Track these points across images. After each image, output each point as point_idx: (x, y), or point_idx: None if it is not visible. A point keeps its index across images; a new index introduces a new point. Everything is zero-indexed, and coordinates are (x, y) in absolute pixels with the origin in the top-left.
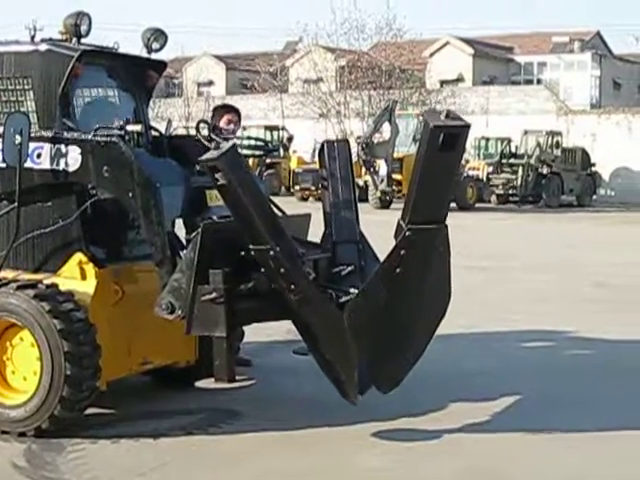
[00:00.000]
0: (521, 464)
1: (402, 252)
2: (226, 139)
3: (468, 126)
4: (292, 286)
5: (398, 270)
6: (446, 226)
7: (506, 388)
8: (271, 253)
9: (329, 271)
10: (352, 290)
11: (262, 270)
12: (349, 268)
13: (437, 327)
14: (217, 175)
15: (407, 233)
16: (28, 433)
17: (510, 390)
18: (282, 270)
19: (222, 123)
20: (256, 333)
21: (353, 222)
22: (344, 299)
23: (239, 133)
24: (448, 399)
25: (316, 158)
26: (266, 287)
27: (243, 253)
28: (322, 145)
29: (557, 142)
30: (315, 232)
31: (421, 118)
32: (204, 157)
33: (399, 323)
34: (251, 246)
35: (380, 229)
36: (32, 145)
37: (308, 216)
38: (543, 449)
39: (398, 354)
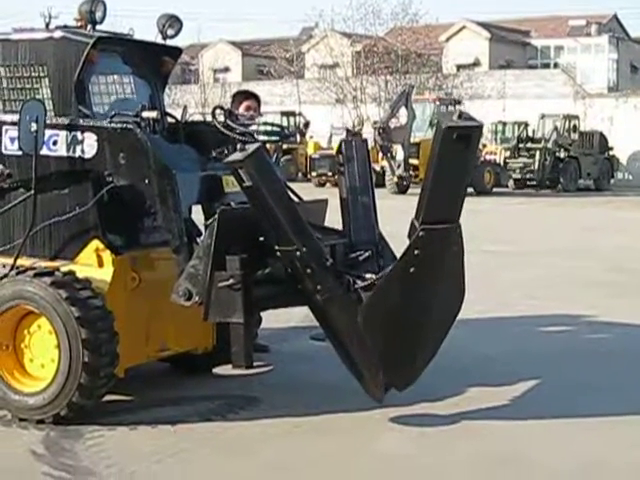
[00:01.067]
0: (540, 449)
1: (416, 252)
2: (243, 125)
3: (480, 126)
4: (318, 286)
5: (412, 270)
6: (459, 225)
7: (524, 373)
8: (297, 254)
9: (346, 256)
10: (369, 276)
11: (288, 270)
12: (366, 253)
13: (451, 325)
14: (243, 176)
15: (421, 233)
16: (46, 420)
17: (528, 375)
18: (308, 270)
19: (241, 109)
20: (273, 319)
21: (372, 224)
22: (361, 284)
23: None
24: (466, 384)
25: (333, 144)
26: (283, 273)
27: (260, 239)
28: (340, 144)
29: (574, 126)
30: (331, 218)
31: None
32: (230, 159)
33: (413, 322)
34: (277, 247)
35: (397, 214)
36: (48, 132)
37: (325, 201)
38: (562, 434)
39: (412, 352)
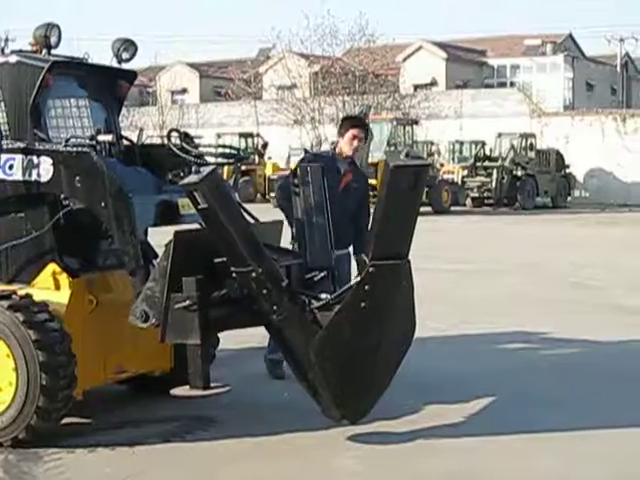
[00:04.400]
0: (497, 465)
1: (366, 287)
2: (197, 147)
3: (428, 165)
4: (274, 307)
5: (363, 304)
6: (409, 261)
7: (481, 390)
8: (253, 275)
9: (302, 277)
10: (324, 296)
11: (244, 291)
12: (322, 274)
13: (402, 359)
14: (198, 199)
15: (371, 269)
16: (5, 443)
17: (485, 392)
18: (264, 291)
19: (346, 138)
20: (232, 340)
21: (327, 249)
22: (316, 305)
23: (214, 141)
24: (423, 402)
25: (291, 165)
26: (239, 294)
27: (216, 261)
28: (295, 169)
29: (531, 144)
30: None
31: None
32: (185, 181)
33: (364, 356)
34: (232, 268)
35: None
36: (4, 156)
37: (280, 223)
38: (519, 450)
39: (363, 386)
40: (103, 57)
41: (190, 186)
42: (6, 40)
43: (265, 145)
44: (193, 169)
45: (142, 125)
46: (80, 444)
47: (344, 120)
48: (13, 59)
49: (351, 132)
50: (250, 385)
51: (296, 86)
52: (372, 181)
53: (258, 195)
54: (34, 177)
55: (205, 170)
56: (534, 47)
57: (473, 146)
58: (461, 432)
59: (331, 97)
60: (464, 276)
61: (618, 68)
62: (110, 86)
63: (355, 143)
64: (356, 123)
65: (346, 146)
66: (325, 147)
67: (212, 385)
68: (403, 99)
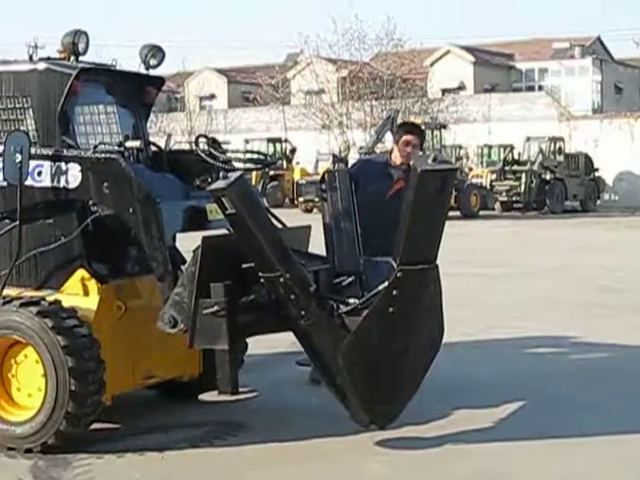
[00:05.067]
0: (526, 468)
1: (394, 292)
2: (224, 152)
3: (455, 169)
4: (302, 312)
5: (391, 309)
6: (437, 265)
7: (509, 394)
8: (281, 280)
9: (330, 282)
10: (352, 301)
11: (272, 296)
12: (349, 279)
13: (431, 363)
14: (226, 204)
15: (399, 274)
16: (34, 449)
17: (513, 396)
18: (292, 296)
19: (400, 144)
20: (261, 345)
21: (355, 254)
22: (344, 309)
23: (242, 146)
24: (451, 406)
25: (319, 170)
26: (267, 299)
27: (244, 266)
28: (323, 175)
29: (559, 148)
30: (316, 244)
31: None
32: (212, 187)
33: (393, 361)
34: (260, 273)
35: None
36: (33, 163)
37: (308, 228)
38: (546, 453)
39: (392, 391)
40: (131, 64)
41: (218, 192)
42: (35, 47)
43: (293, 150)
44: (221, 175)
45: (170, 131)
46: (109, 449)
47: (399, 126)
48: (41, 66)
49: (404, 138)
50: (278, 390)
51: (324, 91)
52: None
53: (286, 200)
54: (62, 183)
55: (233, 176)
56: (562, 50)
57: (502, 150)
58: (490, 437)
59: (359, 102)
60: (492, 280)
61: None
62: (138, 92)
63: (408, 149)
64: (410, 129)
65: (399, 152)
66: (353, 152)
67: (240, 390)
68: (431, 103)
